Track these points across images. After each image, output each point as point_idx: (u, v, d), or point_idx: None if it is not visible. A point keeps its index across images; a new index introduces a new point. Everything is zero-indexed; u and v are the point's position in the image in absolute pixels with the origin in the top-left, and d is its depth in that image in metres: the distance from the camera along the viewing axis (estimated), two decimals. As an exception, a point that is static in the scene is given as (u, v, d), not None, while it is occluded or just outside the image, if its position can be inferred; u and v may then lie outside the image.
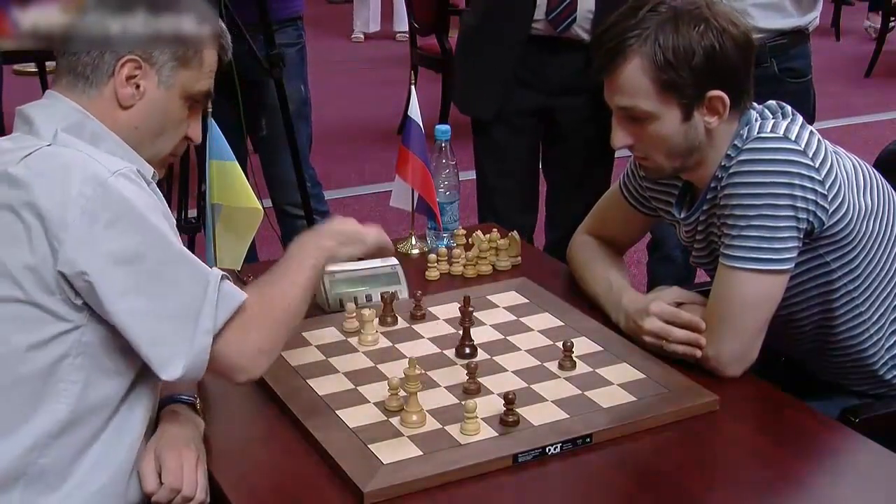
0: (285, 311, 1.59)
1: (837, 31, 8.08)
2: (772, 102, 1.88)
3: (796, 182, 1.73)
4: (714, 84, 1.77)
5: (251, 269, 2.11)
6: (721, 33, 1.75)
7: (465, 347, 1.86)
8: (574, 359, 1.80)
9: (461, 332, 1.86)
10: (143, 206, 1.47)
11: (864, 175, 1.87)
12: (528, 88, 2.80)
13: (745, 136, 1.78)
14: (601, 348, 1.87)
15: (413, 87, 2.38)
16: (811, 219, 1.75)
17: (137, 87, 1.56)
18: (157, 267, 1.46)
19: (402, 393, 1.67)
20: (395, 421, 1.63)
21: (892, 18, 7.42)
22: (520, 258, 2.27)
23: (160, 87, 1.58)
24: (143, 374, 1.52)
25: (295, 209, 3.35)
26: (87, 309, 1.46)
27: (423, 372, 1.69)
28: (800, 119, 1.82)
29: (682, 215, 1.95)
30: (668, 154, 1.83)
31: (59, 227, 1.41)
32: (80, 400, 1.47)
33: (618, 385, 1.75)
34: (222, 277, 1.51)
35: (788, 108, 1.85)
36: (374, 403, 1.69)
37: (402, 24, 7.20)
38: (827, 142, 1.84)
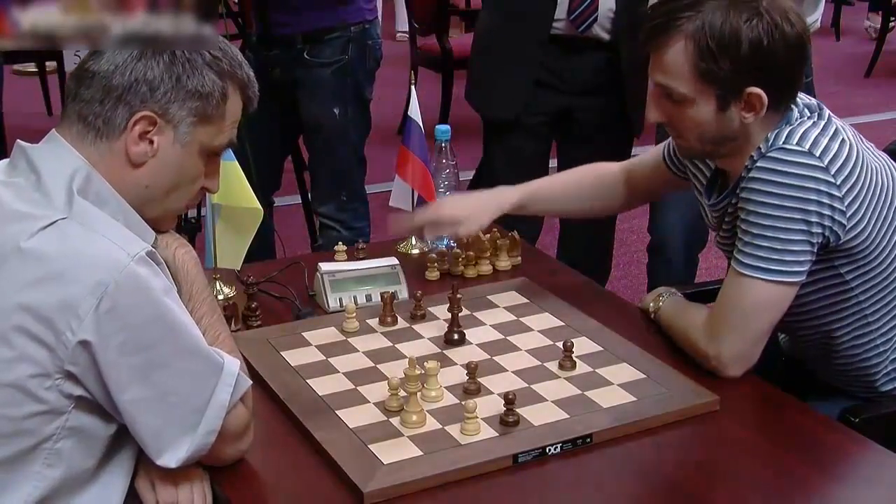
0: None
1: (837, 31, 8.07)
2: (812, 101, 1.84)
3: (812, 197, 1.70)
4: (754, 80, 1.72)
5: (252, 270, 2.11)
6: (773, 28, 1.70)
7: (453, 334, 1.87)
8: (574, 359, 1.80)
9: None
10: (160, 293, 1.39)
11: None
12: (547, 89, 2.80)
13: (770, 141, 1.75)
14: (601, 348, 1.87)
15: (413, 87, 2.38)
16: (826, 233, 1.73)
17: (151, 142, 1.46)
18: (168, 358, 1.39)
19: (402, 393, 1.67)
20: (395, 421, 1.63)
21: (892, 18, 7.41)
22: (520, 258, 2.27)
23: (176, 145, 1.47)
24: (123, 436, 1.47)
25: (323, 219, 3.30)
26: (75, 398, 1.39)
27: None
28: (833, 127, 1.77)
29: (711, 201, 1.93)
30: (700, 138, 1.81)
31: (72, 315, 1.33)
32: (53, 480, 1.42)
33: (618, 385, 1.75)
34: (231, 369, 1.46)
35: (826, 111, 1.82)
36: (374, 403, 1.69)
37: (402, 24, 7.22)
38: (868, 149, 1.81)
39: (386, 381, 1.69)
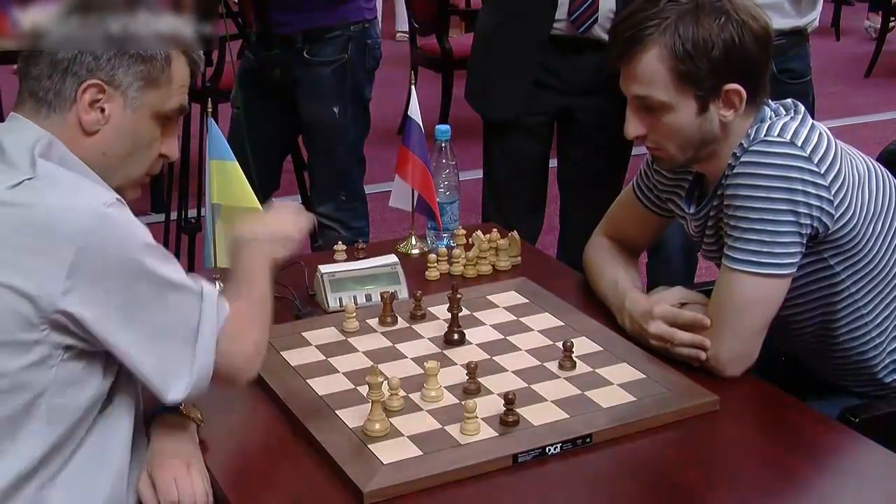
0: (266, 310, 1.64)
1: (837, 31, 8.08)
2: (787, 101, 1.87)
3: (798, 188, 1.72)
4: (731, 77, 1.76)
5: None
6: (741, 26, 1.75)
7: (453, 334, 1.88)
8: (574, 359, 1.80)
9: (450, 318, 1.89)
10: (138, 234, 1.44)
11: (877, 177, 1.86)
12: (547, 89, 2.80)
13: (751, 136, 1.78)
14: (601, 348, 1.87)
15: (413, 87, 2.38)
16: (815, 224, 1.75)
17: (102, 111, 1.50)
18: (151, 294, 1.44)
19: (401, 393, 1.67)
20: (395, 421, 1.63)
21: (892, 18, 7.42)
22: (520, 258, 2.27)
23: (127, 110, 1.51)
24: (118, 393, 1.51)
25: (322, 218, 3.28)
26: (63, 347, 1.41)
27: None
28: (810, 121, 1.81)
29: (692, 210, 1.94)
30: (680, 145, 1.82)
31: (53, 265, 1.36)
32: (54, 435, 1.44)
33: (618, 385, 1.75)
34: (210, 293, 1.52)
35: (802, 107, 1.84)
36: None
37: (402, 23, 7.22)
38: (840, 143, 1.83)
39: (386, 381, 1.68)
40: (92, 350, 1.44)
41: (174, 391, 1.48)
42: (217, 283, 2.04)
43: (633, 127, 1.84)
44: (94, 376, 1.46)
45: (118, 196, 1.46)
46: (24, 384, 1.40)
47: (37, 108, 1.50)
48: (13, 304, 1.37)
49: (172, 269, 1.48)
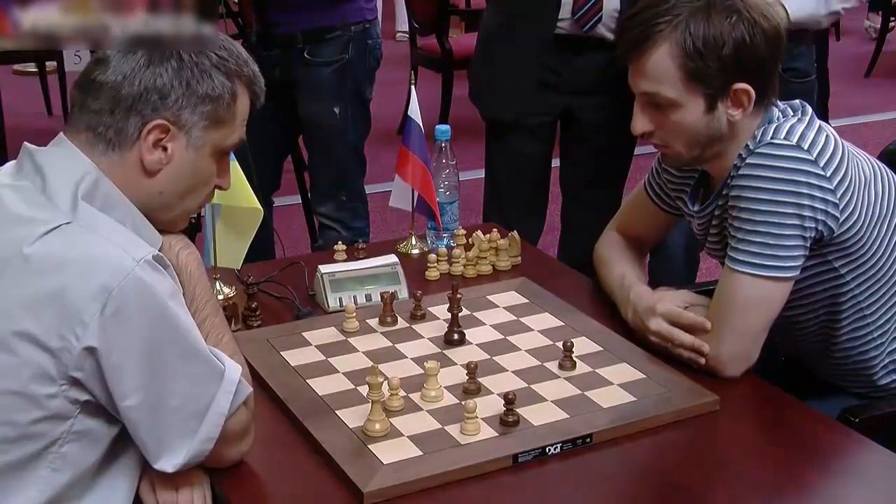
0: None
1: (837, 31, 8.06)
2: (795, 101, 1.86)
3: (804, 191, 1.72)
4: (741, 76, 1.75)
5: (252, 270, 2.11)
6: (753, 25, 1.74)
7: (453, 334, 1.88)
8: (574, 359, 1.80)
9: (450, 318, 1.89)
10: (165, 297, 1.38)
11: (882, 179, 1.86)
12: (550, 89, 2.80)
13: (758, 138, 1.78)
14: (601, 348, 1.87)
15: (413, 87, 2.38)
16: (820, 227, 1.74)
17: (165, 149, 1.45)
18: (171, 363, 1.39)
19: (402, 393, 1.67)
20: (395, 421, 1.63)
21: (892, 18, 7.41)
22: (520, 258, 2.27)
23: (189, 149, 1.47)
24: (128, 445, 1.47)
25: (322, 218, 3.30)
26: (81, 403, 1.38)
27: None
28: (817, 123, 1.80)
29: (696, 208, 1.94)
30: (687, 143, 1.82)
31: (76, 321, 1.33)
32: (58, 484, 1.41)
33: (618, 385, 1.75)
34: (231, 376, 1.46)
35: (809, 108, 1.84)
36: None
37: (402, 23, 7.22)
38: (847, 145, 1.83)
39: (386, 381, 1.68)
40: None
41: (164, 462, 1.43)
42: (217, 283, 2.05)
43: (641, 123, 1.84)
44: (110, 430, 1.44)
45: (157, 251, 1.41)
46: (34, 435, 1.38)
47: (93, 142, 1.44)
48: (33, 356, 1.34)
49: (195, 341, 1.43)
